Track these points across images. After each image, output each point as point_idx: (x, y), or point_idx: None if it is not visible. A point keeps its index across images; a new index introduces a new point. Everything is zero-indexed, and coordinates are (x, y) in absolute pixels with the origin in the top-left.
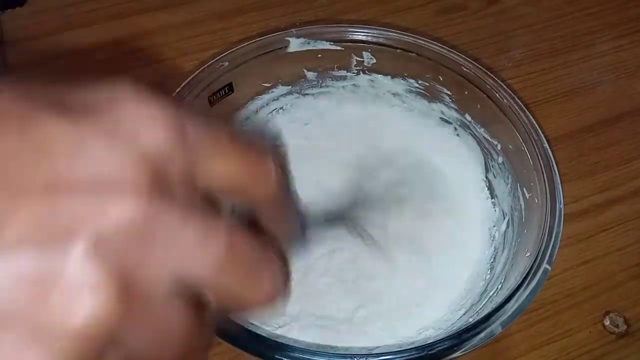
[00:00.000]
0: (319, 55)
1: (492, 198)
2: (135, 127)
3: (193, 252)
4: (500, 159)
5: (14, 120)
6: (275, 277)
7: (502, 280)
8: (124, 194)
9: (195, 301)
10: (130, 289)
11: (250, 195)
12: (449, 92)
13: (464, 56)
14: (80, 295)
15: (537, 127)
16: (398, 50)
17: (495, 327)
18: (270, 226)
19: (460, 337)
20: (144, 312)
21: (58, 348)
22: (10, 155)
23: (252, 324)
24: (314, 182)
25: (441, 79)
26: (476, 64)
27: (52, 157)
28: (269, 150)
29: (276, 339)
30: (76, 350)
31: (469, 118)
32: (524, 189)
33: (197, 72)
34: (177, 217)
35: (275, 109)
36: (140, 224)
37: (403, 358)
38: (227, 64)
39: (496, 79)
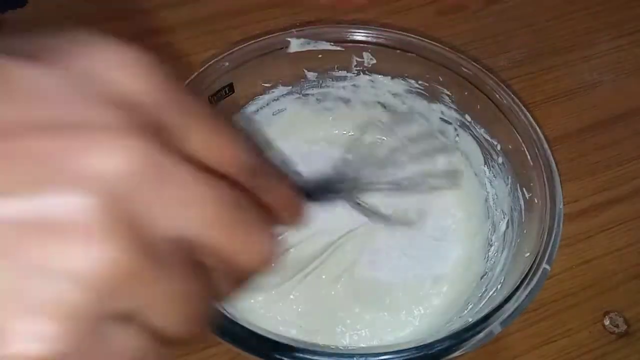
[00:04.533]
0: (320, 56)
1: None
2: (115, 74)
3: (189, 204)
4: (500, 159)
5: None
6: (264, 238)
7: (502, 280)
8: (121, 138)
9: (195, 266)
10: (140, 240)
11: (225, 167)
12: (448, 93)
13: (464, 56)
14: (88, 243)
15: (537, 127)
16: (398, 51)
17: (495, 327)
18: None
19: (459, 337)
20: (154, 270)
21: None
22: None
23: (252, 324)
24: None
25: (441, 79)
26: (476, 64)
27: (34, 101)
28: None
29: (276, 339)
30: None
31: (468, 118)
32: (524, 189)
33: (197, 72)
34: (172, 164)
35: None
36: (141, 170)
37: (403, 358)
38: (227, 64)
39: (496, 79)
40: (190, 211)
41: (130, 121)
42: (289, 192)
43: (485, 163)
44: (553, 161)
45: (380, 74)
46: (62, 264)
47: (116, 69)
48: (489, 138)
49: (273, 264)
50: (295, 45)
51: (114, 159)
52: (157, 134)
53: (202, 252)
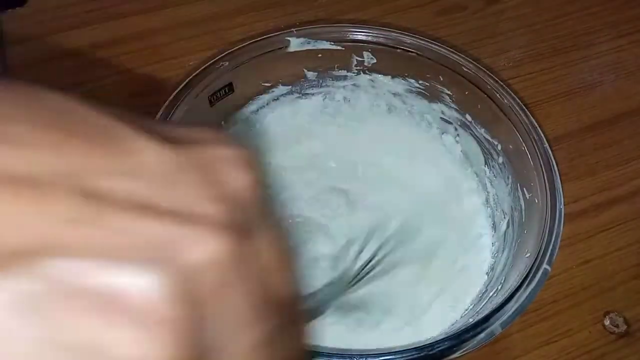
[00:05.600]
0: (319, 55)
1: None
2: (227, 168)
3: (244, 326)
4: (500, 159)
5: (103, 134)
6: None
7: (502, 281)
8: (216, 232)
9: None
10: (196, 343)
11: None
12: (449, 92)
13: (464, 56)
14: (148, 329)
15: (537, 127)
16: (398, 50)
17: (495, 327)
18: None
19: (460, 337)
20: None
21: None
22: (101, 168)
23: None
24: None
25: (441, 79)
26: (476, 64)
27: (146, 178)
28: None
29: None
30: None
31: (469, 118)
32: (524, 189)
33: (197, 72)
34: (255, 268)
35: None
36: (221, 272)
37: (403, 358)
38: (227, 64)
39: (496, 79)
40: (241, 334)
41: (228, 221)
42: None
43: (485, 163)
44: (553, 161)
45: (380, 74)
46: (112, 343)
47: (229, 167)
48: (489, 138)
49: None
50: (295, 44)
51: (202, 252)
52: (247, 234)
53: None
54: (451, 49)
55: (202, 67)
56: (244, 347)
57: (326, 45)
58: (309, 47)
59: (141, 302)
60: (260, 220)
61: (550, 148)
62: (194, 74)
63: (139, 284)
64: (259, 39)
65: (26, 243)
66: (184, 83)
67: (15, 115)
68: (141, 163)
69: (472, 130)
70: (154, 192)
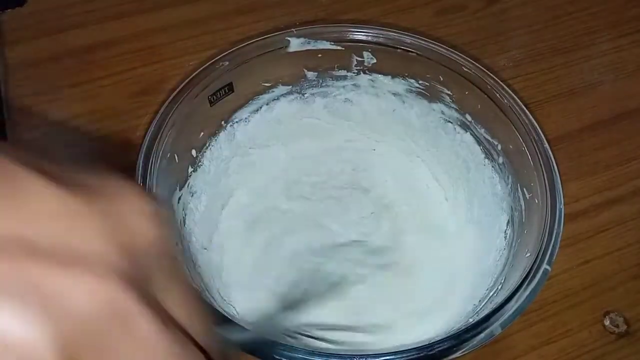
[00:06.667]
0: (319, 55)
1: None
2: (127, 216)
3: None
4: (500, 159)
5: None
6: None
7: (502, 281)
8: (102, 276)
9: None
10: None
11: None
12: (449, 92)
13: (464, 56)
14: None
15: (537, 127)
16: (398, 50)
17: (495, 327)
18: None
19: (460, 337)
20: None
21: None
22: None
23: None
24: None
25: (441, 79)
26: (476, 64)
27: (37, 224)
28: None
29: (276, 340)
30: None
31: (469, 118)
32: (524, 189)
33: (197, 72)
34: (147, 319)
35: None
36: (105, 316)
37: (403, 358)
38: (227, 64)
39: (496, 79)
40: None
41: (118, 265)
42: None
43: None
44: (553, 161)
45: (380, 74)
46: None
47: (131, 214)
48: (489, 138)
49: None
50: (295, 44)
51: (83, 297)
52: (139, 284)
53: None
54: (451, 49)
55: (202, 67)
56: None
57: (326, 45)
58: (309, 47)
59: (22, 348)
60: (163, 275)
61: (550, 148)
62: (193, 74)
63: (19, 329)
64: (259, 39)
65: None
66: (184, 83)
67: None
68: (32, 208)
69: (472, 130)
70: (43, 237)
